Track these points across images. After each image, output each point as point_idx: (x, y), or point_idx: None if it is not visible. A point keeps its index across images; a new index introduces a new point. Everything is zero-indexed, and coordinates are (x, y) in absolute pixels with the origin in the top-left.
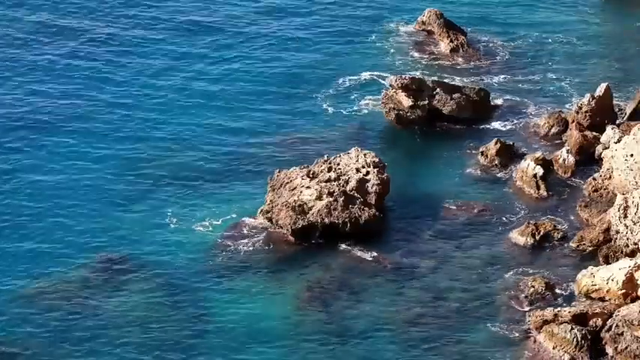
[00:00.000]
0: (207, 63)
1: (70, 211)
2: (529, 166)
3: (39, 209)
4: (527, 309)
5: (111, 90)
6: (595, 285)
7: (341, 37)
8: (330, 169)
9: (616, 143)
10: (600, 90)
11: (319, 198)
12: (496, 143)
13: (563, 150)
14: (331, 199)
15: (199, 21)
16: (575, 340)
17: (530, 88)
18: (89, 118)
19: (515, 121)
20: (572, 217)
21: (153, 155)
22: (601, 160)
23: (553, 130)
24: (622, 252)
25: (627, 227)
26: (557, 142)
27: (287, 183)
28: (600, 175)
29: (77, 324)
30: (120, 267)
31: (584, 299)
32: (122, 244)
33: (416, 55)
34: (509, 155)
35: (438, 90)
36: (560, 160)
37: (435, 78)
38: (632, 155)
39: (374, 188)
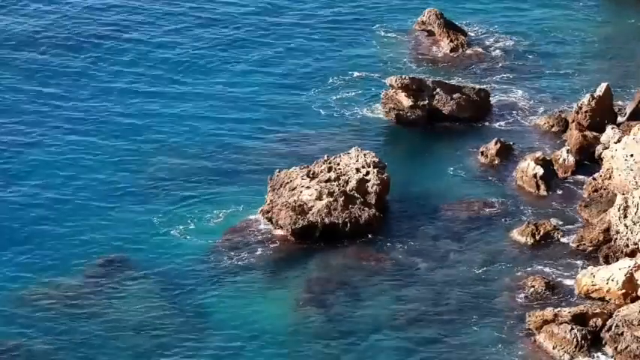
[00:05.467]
0: (203, 63)
1: (68, 213)
2: (529, 166)
3: (37, 211)
4: (527, 309)
5: (108, 91)
6: (595, 285)
7: (341, 36)
8: (330, 169)
9: (616, 143)
10: (600, 90)
11: (319, 198)
12: (496, 143)
13: (563, 150)
14: (331, 199)
15: (195, 23)
16: (575, 340)
17: (531, 88)
18: (86, 119)
19: (516, 121)
20: (572, 217)
21: (151, 157)
22: (601, 160)
23: (553, 130)
24: (622, 252)
25: (627, 227)
26: (557, 142)
27: (287, 183)
28: (600, 175)
29: (76, 326)
30: (119, 268)
31: (584, 299)
32: (121, 246)
33: (416, 55)
34: (509, 155)
35: (438, 90)
36: (560, 160)
37: (435, 78)
38: (632, 155)
39: (374, 188)
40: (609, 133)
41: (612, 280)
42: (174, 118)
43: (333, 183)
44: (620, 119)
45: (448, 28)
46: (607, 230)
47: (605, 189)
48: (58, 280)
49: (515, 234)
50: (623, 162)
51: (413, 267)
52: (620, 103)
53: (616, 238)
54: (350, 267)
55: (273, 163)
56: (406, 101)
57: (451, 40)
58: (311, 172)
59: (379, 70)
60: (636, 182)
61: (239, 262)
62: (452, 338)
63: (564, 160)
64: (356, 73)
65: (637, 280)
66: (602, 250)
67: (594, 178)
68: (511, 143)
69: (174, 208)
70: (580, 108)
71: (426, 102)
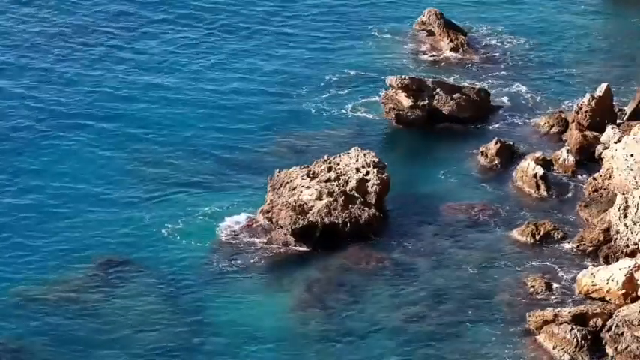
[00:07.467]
0: (202, 64)
1: (68, 213)
2: (529, 166)
3: (39, 211)
4: (527, 309)
5: (108, 92)
6: (595, 285)
7: (341, 37)
8: (330, 169)
9: (616, 143)
10: (600, 90)
11: (319, 198)
12: (496, 143)
13: (563, 150)
14: (331, 199)
15: (194, 24)
16: (575, 340)
17: (531, 88)
18: (88, 120)
19: (515, 121)
20: (572, 217)
21: (151, 157)
22: (601, 160)
23: (553, 130)
24: (622, 252)
25: (627, 227)
26: (557, 142)
27: (287, 183)
28: (600, 175)
29: (76, 326)
30: (118, 268)
31: (584, 299)
32: (121, 246)
33: (416, 55)
34: (509, 155)
35: (438, 90)
36: (560, 160)
37: (435, 78)
38: (632, 155)
39: (374, 188)
40: (609, 133)
41: (612, 280)
42: (173, 120)
43: (333, 183)
44: (619, 120)
45: (448, 28)
46: (607, 230)
47: (605, 189)
48: (58, 279)
49: (515, 234)
50: (623, 162)
51: (413, 267)
52: (621, 99)
53: (616, 238)
54: (350, 267)
55: (272, 163)
56: (406, 101)
57: (451, 40)
58: (311, 172)
59: (379, 70)
60: (636, 182)
61: (239, 263)
62: (452, 338)
63: (564, 160)
64: (356, 73)
65: (637, 280)
66: (602, 250)
67: (594, 178)
68: (511, 143)
69: (172, 209)
70: (580, 108)
71: (426, 102)
